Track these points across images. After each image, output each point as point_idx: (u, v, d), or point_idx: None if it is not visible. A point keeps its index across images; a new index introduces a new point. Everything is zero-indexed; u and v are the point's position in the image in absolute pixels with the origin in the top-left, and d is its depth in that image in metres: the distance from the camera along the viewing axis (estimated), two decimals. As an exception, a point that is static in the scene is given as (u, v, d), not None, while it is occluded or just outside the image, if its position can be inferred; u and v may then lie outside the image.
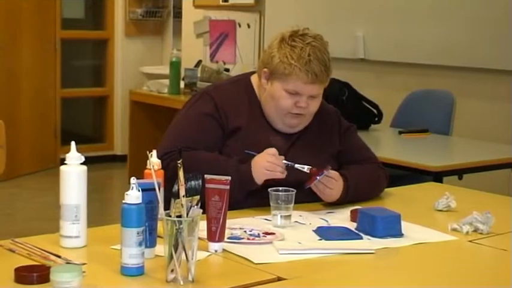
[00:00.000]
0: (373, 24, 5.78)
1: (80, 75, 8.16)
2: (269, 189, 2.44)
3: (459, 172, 3.89)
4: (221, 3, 6.77)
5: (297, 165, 2.55)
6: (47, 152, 7.34)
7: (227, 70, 6.67)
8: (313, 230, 2.34)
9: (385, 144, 4.61)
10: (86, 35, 8.02)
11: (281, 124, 2.70)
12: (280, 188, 2.43)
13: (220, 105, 2.69)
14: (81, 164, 2.11)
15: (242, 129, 2.68)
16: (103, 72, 7.96)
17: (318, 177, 2.55)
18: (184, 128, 2.71)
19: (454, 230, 2.39)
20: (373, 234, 2.30)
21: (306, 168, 2.56)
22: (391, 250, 2.21)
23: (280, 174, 2.51)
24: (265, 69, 2.67)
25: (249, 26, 6.60)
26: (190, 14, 7.13)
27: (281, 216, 2.40)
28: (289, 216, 2.41)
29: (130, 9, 7.72)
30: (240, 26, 6.68)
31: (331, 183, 2.59)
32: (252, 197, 2.56)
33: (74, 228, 2.09)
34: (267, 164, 2.53)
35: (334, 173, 2.60)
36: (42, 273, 1.82)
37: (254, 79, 2.78)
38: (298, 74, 2.59)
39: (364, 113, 4.80)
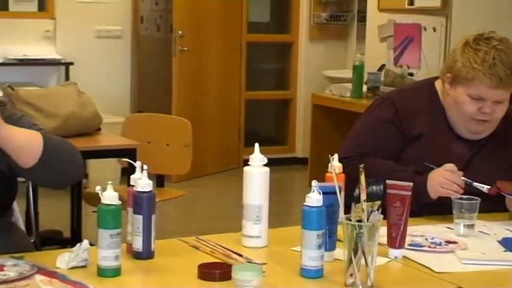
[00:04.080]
0: None
1: (264, 78, 8.30)
2: (452, 197, 2.39)
3: None
4: (406, 6, 6.69)
5: (475, 184, 2.47)
6: (230, 152, 7.52)
7: (411, 74, 6.57)
8: (498, 241, 2.26)
9: None
10: (271, 38, 8.14)
11: (465, 130, 2.63)
12: (464, 197, 2.37)
13: (401, 111, 2.65)
14: (264, 165, 2.14)
15: (424, 136, 2.64)
16: (287, 76, 8.05)
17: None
18: (364, 133, 2.70)
19: None
20: (562, 247, 2.20)
21: (485, 188, 2.47)
22: None
23: (454, 192, 2.43)
24: (448, 74, 2.61)
25: (434, 30, 6.47)
26: (374, 18, 7.09)
27: (464, 225, 2.34)
28: (473, 225, 2.34)
29: (315, 13, 7.77)
30: (425, 29, 6.56)
31: None
32: (427, 207, 2.51)
33: (255, 228, 2.13)
34: (443, 180, 2.46)
35: None
36: (224, 270, 1.87)
37: (438, 84, 2.72)
38: (481, 78, 2.52)
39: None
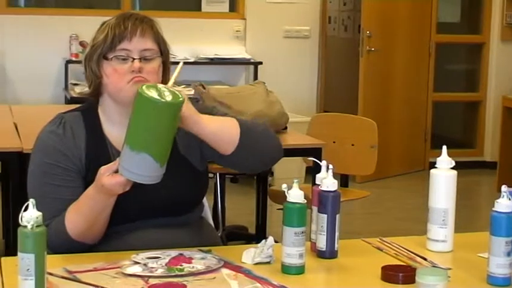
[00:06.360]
0: None
1: (452, 79, 8.13)
2: None
3: None
4: None
5: None
6: (416, 154, 7.42)
7: None
8: None
9: None
10: (461, 39, 7.96)
11: None
12: None
13: None
14: (451, 168, 2.10)
15: None
16: (476, 77, 7.85)
17: None
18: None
19: None
20: None
21: None
22: None
23: None
24: None
25: None
26: None
27: None
28: None
29: (508, 13, 7.52)
30: None
31: None
32: None
33: (441, 232, 2.10)
34: None
35: None
36: (407, 274, 1.85)
37: None
38: None
39: None
